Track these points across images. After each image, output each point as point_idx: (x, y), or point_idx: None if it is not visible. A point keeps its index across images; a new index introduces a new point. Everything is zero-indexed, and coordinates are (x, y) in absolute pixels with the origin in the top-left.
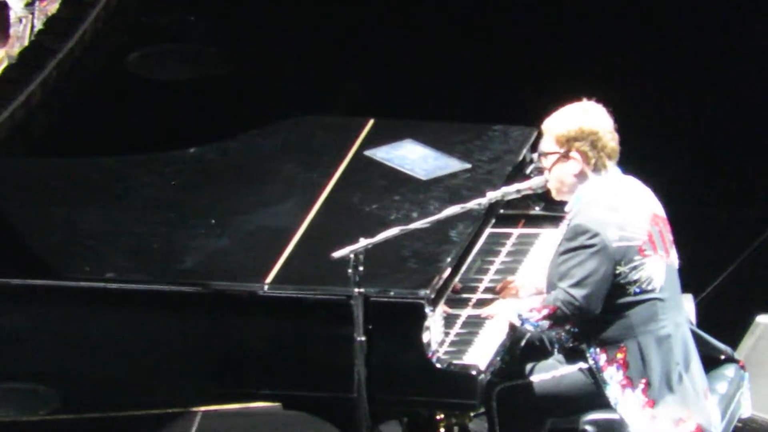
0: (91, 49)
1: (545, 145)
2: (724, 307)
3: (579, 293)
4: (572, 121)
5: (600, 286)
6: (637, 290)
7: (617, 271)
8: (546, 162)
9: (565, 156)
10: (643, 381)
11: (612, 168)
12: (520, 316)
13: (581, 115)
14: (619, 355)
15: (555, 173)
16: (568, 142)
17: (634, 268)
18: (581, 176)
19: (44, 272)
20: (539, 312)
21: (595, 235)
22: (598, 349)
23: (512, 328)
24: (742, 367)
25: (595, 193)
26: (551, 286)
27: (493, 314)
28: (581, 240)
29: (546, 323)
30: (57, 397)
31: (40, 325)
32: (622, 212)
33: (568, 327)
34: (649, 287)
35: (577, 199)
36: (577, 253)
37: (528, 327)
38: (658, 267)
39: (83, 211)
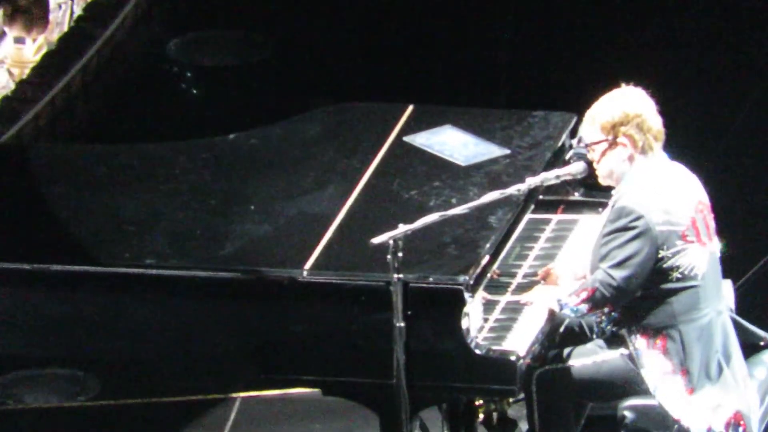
0: (131, 35)
1: (591, 135)
2: (764, 293)
3: (619, 274)
4: (615, 107)
5: (641, 268)
6: (679, 276)
7: (659, 255)
8: (594, 153)
9: (613, 143)
10: (683, 369)
11: (659, 152)
12: (559, 301)
13: (623, 99)
14: (660, 342)
15: (605, 162)
16: (614, 129)
17: (677, 253)
18: (631, 160)
19: (84, 258)
20: (578, 296)
21: (639, 217)
22: (638, 336)
23: (551, 314)
24: None
25: (642, 176)
26: (594, 270)
27: (532, 301)
28: (624, 222)
29: (585, 306)
30: (97, 383)
31: (80, 311)
32: (668, 197)
33: (607, 311)
34: (692, 274)
35: (624, 183)
36: (620, 235)
37: (567, 312)
38: (701, 254)
39: (123, 197)
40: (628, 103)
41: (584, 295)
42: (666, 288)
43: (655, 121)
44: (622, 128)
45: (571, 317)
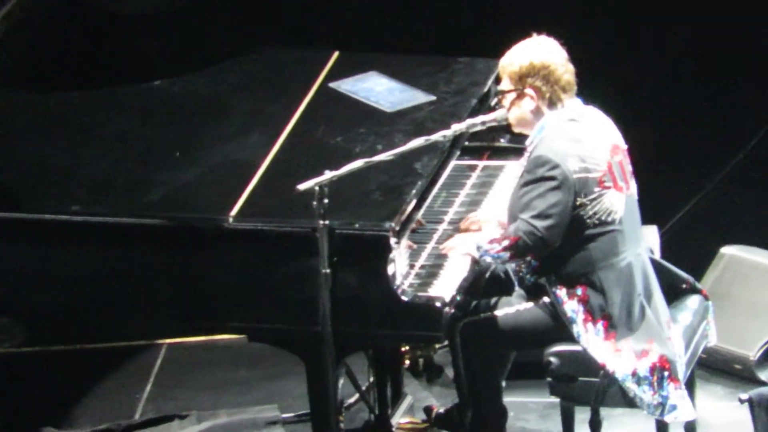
0: None
1: (502, 84)
2: (689, 238)
3: (541, 224)
4: (523, 58)
5: (562, 217)
6: (597, 222)
7: (577, 203)
8: (505, 101)
9: (521, 93)
10: (604, 314)
11: (570, 100)
12: (479, 248)
13: (531, 50)
14: (579, 290)
15: (514, 112)
16: (521, 80)
17: (594, 199)
18: (538, 112)
19: (8, 206)
20: (500, 243)
21: (556, 166)
22: (558, 284)
23: (475, 261)
24: (706, 297)
25: (556, 124)
26: (513, 219)
27: (452, 248)
28: (542, 171)
29: (507, 254)
30: (22, 331)
31: (5, 259)
32: (583, 143)
33: (528, 260)
34: (609, 219)
35: (538, 131)
36: (539, 185)
37: (488, 259)
38: (618, 199)
39: (48, 145)
40: (536, 54)
41: (506, 243)
42: (584, 234)
43: (563, 72)
44: (528, 79)
45: (491, 264)
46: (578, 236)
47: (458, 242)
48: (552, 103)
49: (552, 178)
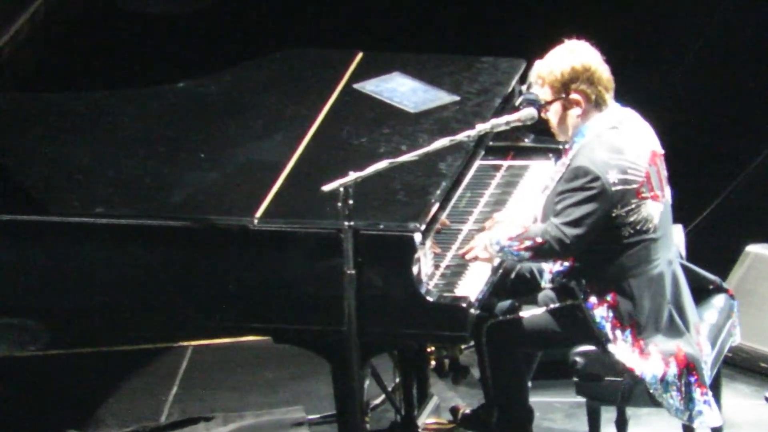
0: None
1: (543, 95)
2: (714, 237)
3: (571, 232)
4: (563, 64)
5: (593, 228)
6: (632, 231)
7: (613, 214)
8: (549, 113)
9: (567, 100)
10: (633, 320)
11: (611, 102)
12: (498, 243)
13: (569, 55)
14: (609, 296)
15: (561, 121)
16: (564, 86)
17: (631, 210)
18: (585, 116)
19: (33, 207)
20: (521, 242)
21: (596, 178)
22: (588, 288)
23: (491, 258)
24: (731, 296)
25: (596, 132)
26: (545, 221)
27: (470, 249)
28: (581, 182)
29: (528, 254)
30: (47, 333)
31: (29, 261)
32: (623, 153)
33: (551, 262)
34: (644, 228)
35: (578, 137)
36: (576, 194)
37: (505, 255)
38: (654, 208)
39: (72, 146)
40: (575, 58)
41: (529, 243)
42: (619, 243)
43: (603, 71)
44: (573, 85)
45: (510, 261)
46: (613, 245)
47: (476, 242)
48: (598, 105)
49: (591, 188)
